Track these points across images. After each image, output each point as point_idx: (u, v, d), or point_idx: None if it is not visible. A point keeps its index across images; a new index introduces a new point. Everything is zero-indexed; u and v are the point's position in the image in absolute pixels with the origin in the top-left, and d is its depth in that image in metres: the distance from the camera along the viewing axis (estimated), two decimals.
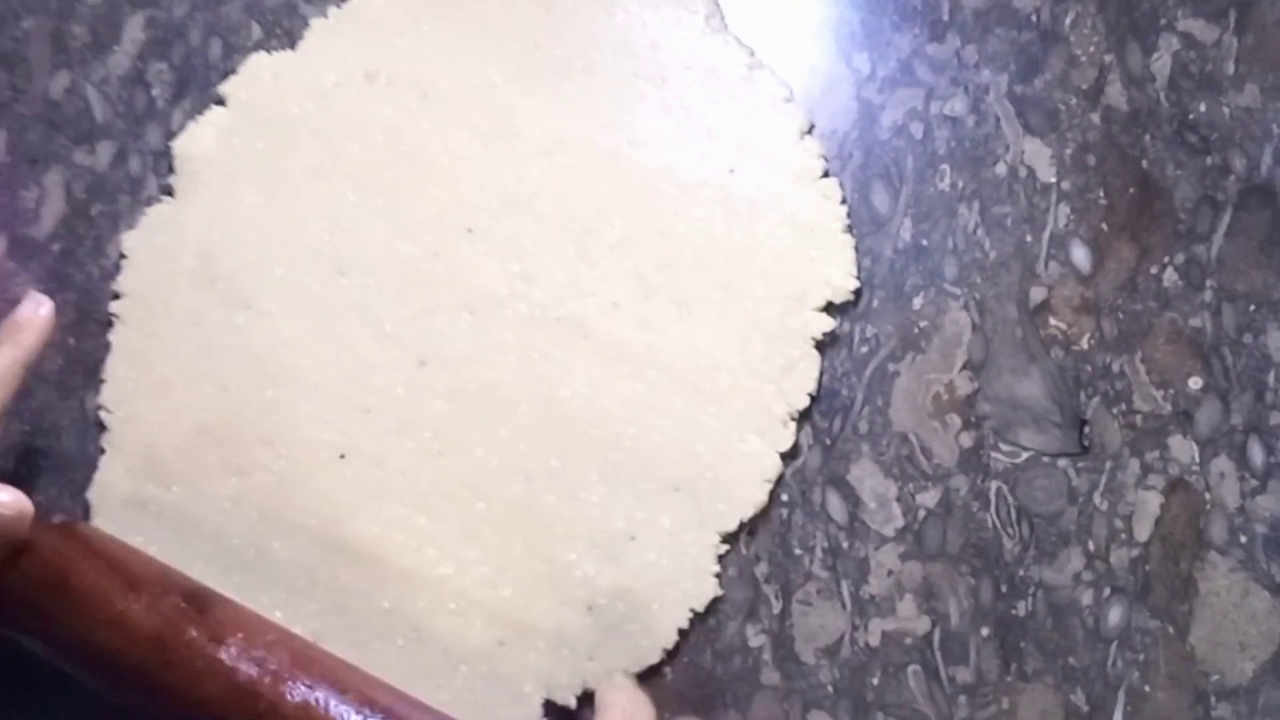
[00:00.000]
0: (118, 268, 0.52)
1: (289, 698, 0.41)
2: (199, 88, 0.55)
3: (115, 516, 0.50)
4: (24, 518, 0.42)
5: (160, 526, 0.49)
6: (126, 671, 0.42)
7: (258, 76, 0.53)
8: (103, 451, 0.50)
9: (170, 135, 0.54)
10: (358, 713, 0.41)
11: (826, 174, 0.50)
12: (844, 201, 0.50)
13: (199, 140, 0.53)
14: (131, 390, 0.51)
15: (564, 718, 0.47)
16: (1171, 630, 0.45)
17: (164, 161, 0.54)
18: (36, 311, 0.45)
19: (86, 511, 0.50)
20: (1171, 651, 0.45)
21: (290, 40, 0.54)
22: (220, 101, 0.54)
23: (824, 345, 0.49)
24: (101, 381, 0.51)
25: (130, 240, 0.53)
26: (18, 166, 0.55)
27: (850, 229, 0.50)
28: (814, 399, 0.48)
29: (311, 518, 0.49)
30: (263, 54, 0.54)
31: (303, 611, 0.48)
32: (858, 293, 0.49)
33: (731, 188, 0.50)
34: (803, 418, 0.48)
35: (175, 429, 0.50)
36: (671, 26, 0.52)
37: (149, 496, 0.49)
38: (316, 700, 0.41)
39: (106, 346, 0.52)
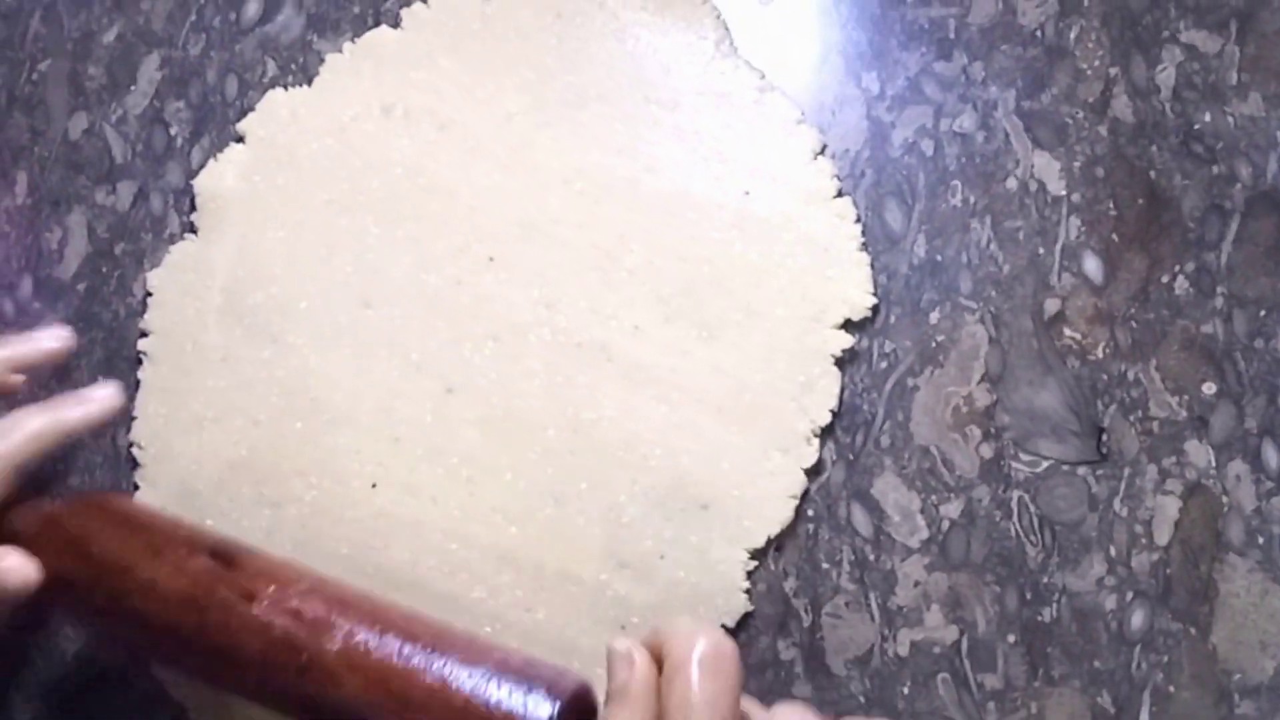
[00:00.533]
0: (144, 306, 0.53)
1: (330, 645, 0.39)
2: (217, 125, 0.56)
3: None
4: (27, 588, 0.42)
5: None
6: (162, 636, 0.42)
7: (276, 113, 0.54)
8: (137, 487, 0.51)
9: (190, 173, 0.55)
10: (401, 649, 0.39)
11: (840, 193, 0.51)
12: (858, 220, 0.51)
13: (220, 177, 0.54)
14: (163, 426, 0.52)
15: None
16: (1194, 631, 0.46)
17: (185, 199, 0.55)
18: (103, 396, 0.46)
19: None
20: (1194, 652, 0.46)
21: (306, 76, 0.55)
22: (239, 139, 0.54)
23: (844, 362, 0.50)
24: (133, 418, 0.52)
25: (156, 278, 0.53)
26: (40, 208, 0.56)
27: (865, 247, 0.51)
28: (836, 415, 0.49)
29: (346, 546, 0.49)
30: (279, 90, 0.55)
31: None
32: (875, 309, 0.50)
33: (747, 210, 0.51)
34: (825, 434, 0.49)
35: (208, 463, 0.51)
36: (682, 52, 0.53)
37: None
38: (358, 644, 0.39)
39: (136, 384, 0.52)
